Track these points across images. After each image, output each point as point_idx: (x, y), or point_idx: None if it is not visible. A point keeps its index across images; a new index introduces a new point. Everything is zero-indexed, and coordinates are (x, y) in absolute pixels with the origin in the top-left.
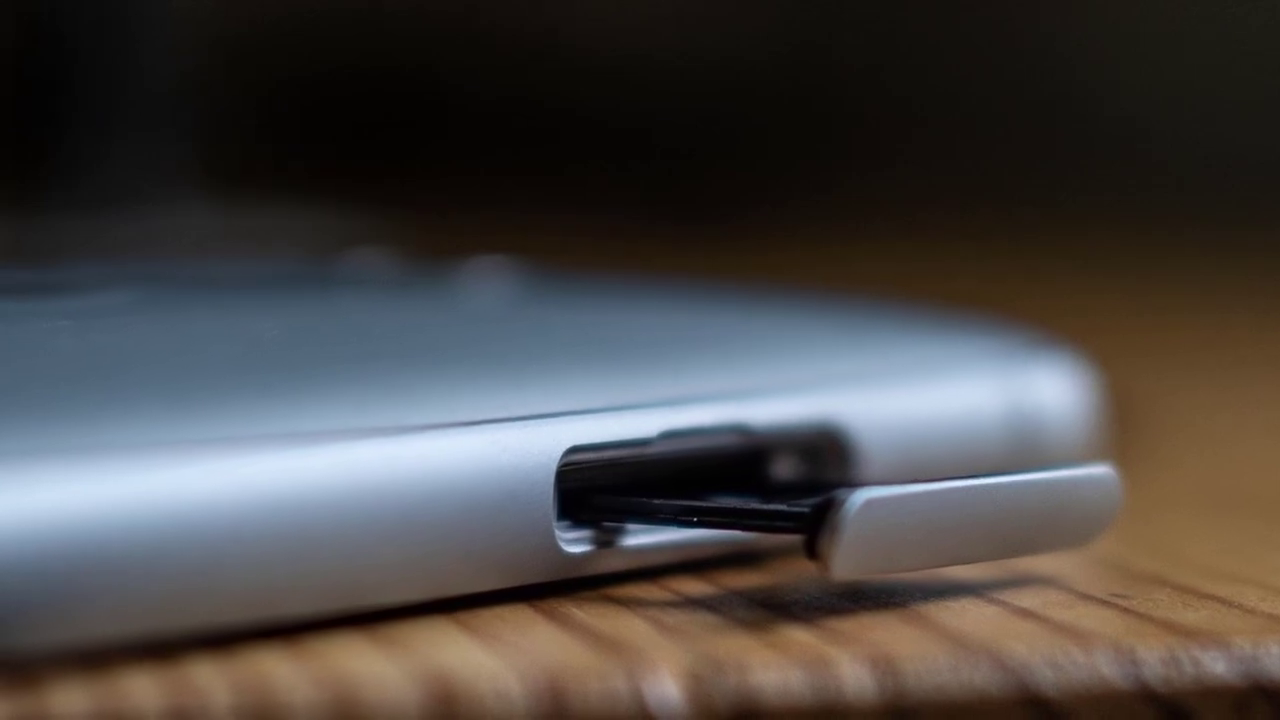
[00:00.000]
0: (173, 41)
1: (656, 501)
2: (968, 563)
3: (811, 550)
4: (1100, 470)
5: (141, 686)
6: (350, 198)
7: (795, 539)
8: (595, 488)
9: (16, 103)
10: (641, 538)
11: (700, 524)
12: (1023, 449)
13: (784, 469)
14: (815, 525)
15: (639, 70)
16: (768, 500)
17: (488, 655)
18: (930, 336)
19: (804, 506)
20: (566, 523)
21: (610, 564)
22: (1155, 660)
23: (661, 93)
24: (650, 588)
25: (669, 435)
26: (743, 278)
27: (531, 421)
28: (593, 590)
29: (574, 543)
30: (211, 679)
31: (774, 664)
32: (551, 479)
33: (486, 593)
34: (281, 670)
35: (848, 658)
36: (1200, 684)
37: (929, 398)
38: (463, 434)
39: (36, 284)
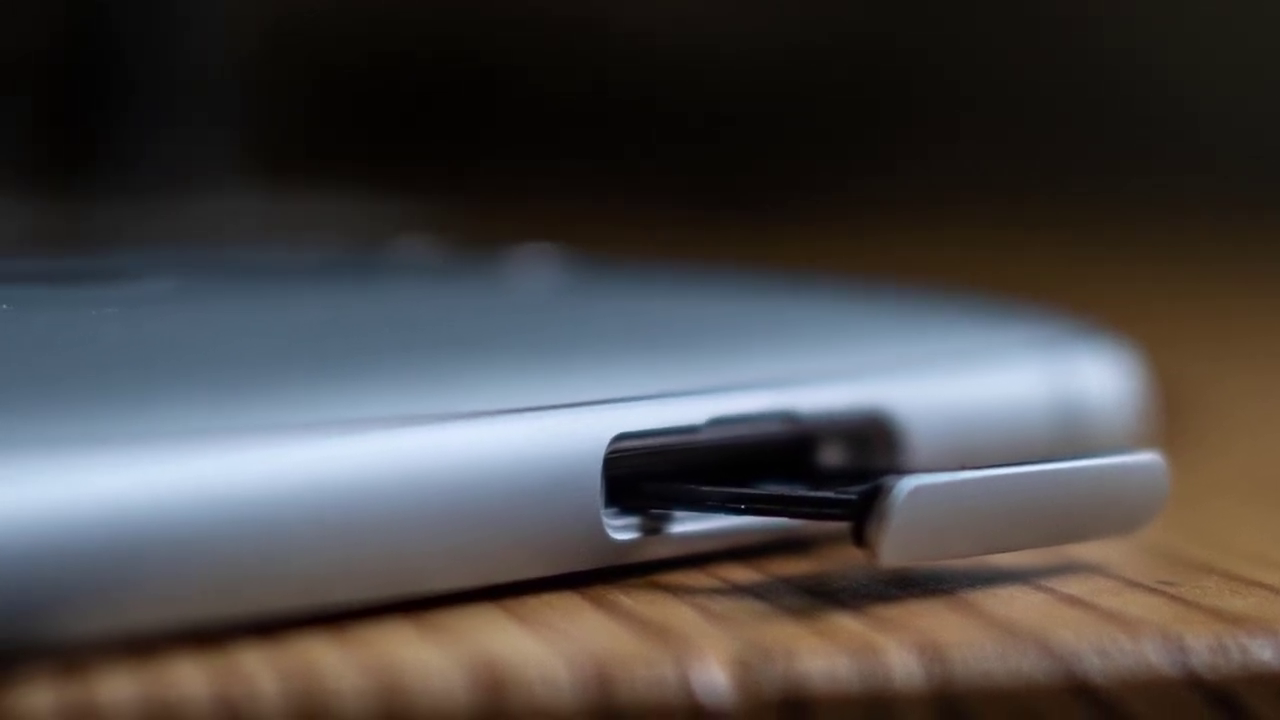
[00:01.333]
0: (221, 28)
1: (704, 488)
2: (1015, 550)
3: (859, 537)
4: (1148, 457)
5: (189, 674)
6: (397, 185)
7: (843, 526)
8: (643, 475)
9: (64, 89)
10: (689, 525)
11: (748, 511)
12: (1070, 436)
13: (831, 456)
14: (863, 512)
15: (688, 57)
16: (815, 487)
17: (535, 642)
18: (978, 323)
19: (852, 493)
20: (614, 510)
21: (658, 551)
22: (1203, 648)
23: (711, 79)
24: (698, 575)
25: (717, 422)
26: (791, 265)
27: (579, 409)
28: (640, 577)
29: (622, 530)
30: (259, 666)
31: (821, 651)
32: (599, 466)
33: (534, 580)
34: (329, 658)
35: (895, 645)
36: (1247, 671)
37: (976, 385)
38: (511, 421)
39: (84, 271)
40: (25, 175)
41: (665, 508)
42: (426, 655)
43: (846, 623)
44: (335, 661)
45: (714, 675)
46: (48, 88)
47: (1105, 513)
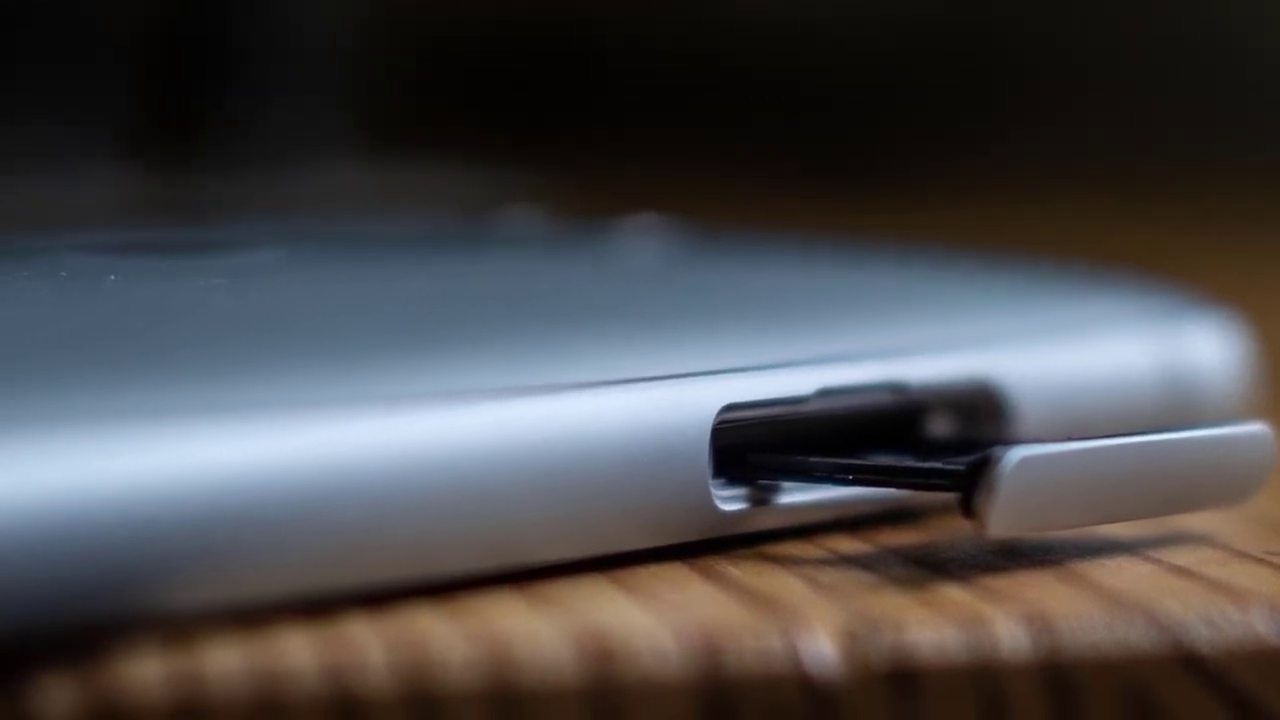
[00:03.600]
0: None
1: (812, 459)
2: (1122, 520)
3: (967, 508)
4: (1255, 428)
5: (297, 645)
6: (506, 156)
7: (950, 497)
8: (750, 445)
9: (173, 61)
10: (797, 495)
11: (856, 482)
12: (1177, 407)
13: (939, 427)
14: (971, 483)
15: (797, 27)
16: (923, 458)
17: (643, 613)
18: (1085, 294)
19: (959, 464)
20: (722, 480)
21: (765, 522)
22: None
23: (820, 50)
24: (805, 546)
25: (825, 393)
26: (898, 236)
27: (687, 379)
28: (748, 548)
29: (729, 500)
30: (367, 637)
31: (929, 622)
32: (707, 437)
33: (642, 551)
34: (437, 628)
35: (1003, 616)
36: None
37: (1084, 355)
38: (619, 392)
39: (193, 242)
40: (135, 146)
41: (773, 478)
42: (535, 626)
43: (954, 593)
44: (444, 632)
45: (822, 646)
46: (157, 58)
47: (1212, 483)
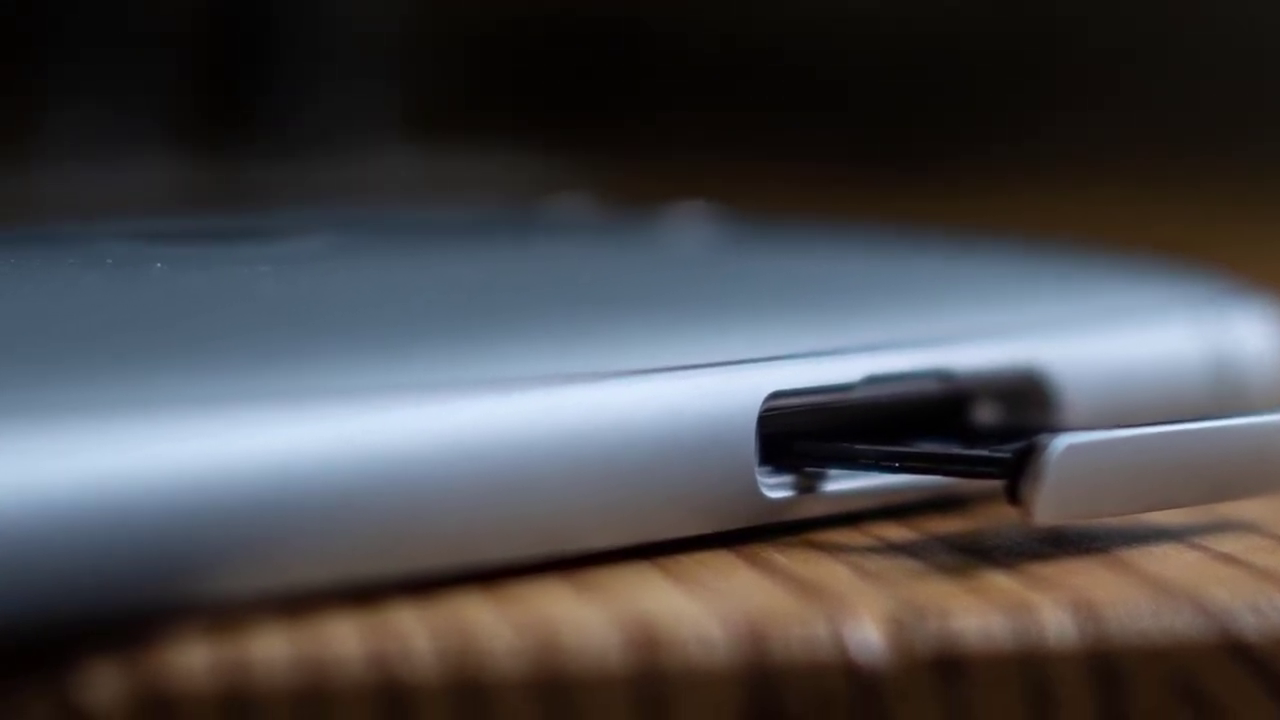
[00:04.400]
0: None
1: (858, 446)
2: (1169, 508)
3: (1013, 495)
4: None
5: (343, 632)
6: (553, 143)
7: (997, 484)
8: (797, 433)
9: (221, 49)
10: (843, 483)
11: (902, 469)
12: (1223, 394)
13: (985, 414)
14: (1017, 470)
15: (841, 15)
16: (969, 446)
17: (689, 600)
18: (1132, 282)
19: (1006, 452)
20: (768, 468)
21: (812, 509)
22: None
23: (864, 38)
24: (851, 533)
25: (871, 380)
26: (945, 224)
27: (734, 367)
28: (794, 535)
29: (776, 488)
30: (413, 624)
31: (975, 609)
32: (753, 424)
33: (688, 538)
34: (483, 616)
35: (1049, 603)
36: None
37: (1130, 343)
38: (665, 379)
39: (239, 230)
40: (183, 134)
41: (819, 466)
42: (581, 613)
43: (1001, 581)
44: (490, 620)
45: (868, 633)
46: (206, 46)
47: (1259, 470)
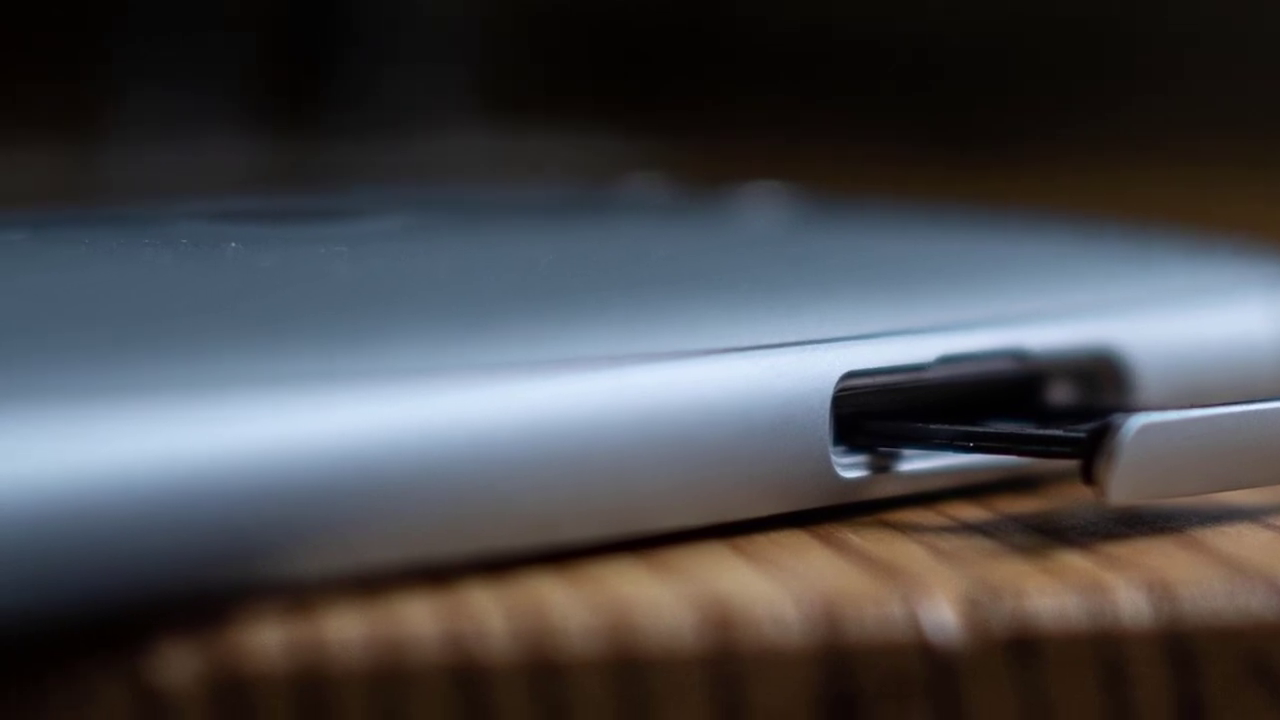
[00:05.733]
0: None
1: (932, 426)
2: (1244, 488)
3: (1088, 475)
4: None
5: (417, 612)
6: (627, 124)
7: (1071, 464)
8: (871, 413)
9: (295, 29)
10: (917, 463)
11: (976, 449)
12: None
13: (1060, 394)
14: (1092, 450)
15: None
16: (1043, 425)
17: (764, 580)
18: (1205, 262)
19: (1080, 432)
20: (842, 448)
21: (886, 489)
22: None
23: (935, 17)
24: (926, 513)
25: (946, 360)
26: (1018, 204)
27: (808, 347)
28: (868, 515)
29: (850, 468)
30: (487, 604)
31: (1050, 589)
32: (828, 404)
33: (762, 518)
34: (557, 596)
35: (1124, 583)
36: None
37: (1204, 322)
38: (739, 359)
39: (313, 210)
40: (258, 115)
41: (893, 446)
42: (655, 593)
43: (1075, 561)
44: (564, 600)
45: (943, 613)
46: (280, 26)
47: None
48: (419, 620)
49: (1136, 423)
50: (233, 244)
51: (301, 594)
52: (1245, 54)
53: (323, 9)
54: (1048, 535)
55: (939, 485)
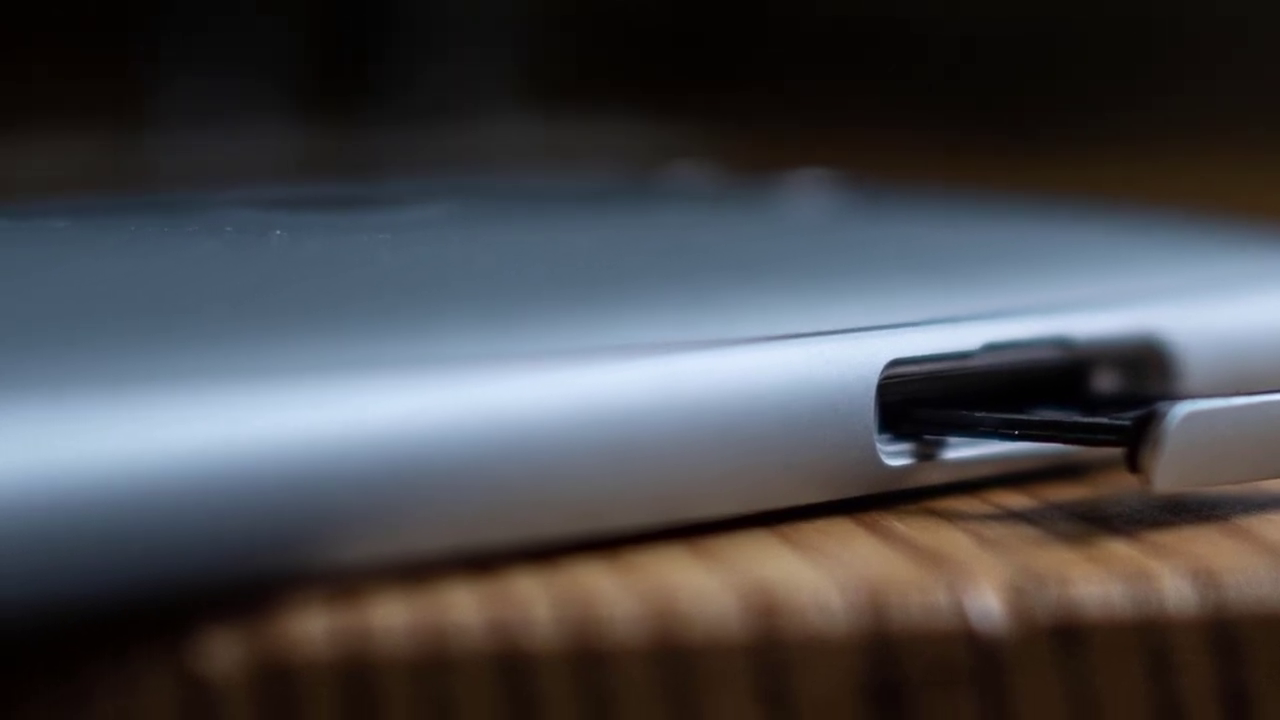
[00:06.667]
0: None
1: (978, 414)
2: None
3: (1133, 463)
4: None
5: (463, 600)
6: (672, 111)
7: (1116, 452)
8: (916, 400)
9: (339, 16)
10: (962, 451)
11: (1021, 437)
12: None
13: (1105, 382)
14: (1137, 438)
15: None
16: (1089, 413)
17: (809, 568)
18: (1251, 249)
19: (1125, 419)
20: (887, 436)
21: (931, 477)
22: None
23: (985, 5)
24: (971, 501)
25: (991, 348)
26: (1064, 191)
27: (853, 334)
28: (913, 503)
29: (895, 455)
30: (533, 592)
31: (1095, 577)
32: (873, 392)
33: (807, 506)
34: (603, 583)
35: (1169, 571)
36: None
37: (1249, 310)
38: (784, 347)
39: (358, 198)
40: (302, 102)
41: (938, 433)
42: (700, 581)
43: (1120, 548)
44: (609, 587)
45: (988, 601)
46: (325, 13)
47: None
48: (464, 608)
49: (1182, 410)
50: (277, 231)
51: (347, 582)
52: None
53: None
54: (1093, 523)
55: (984, 473)
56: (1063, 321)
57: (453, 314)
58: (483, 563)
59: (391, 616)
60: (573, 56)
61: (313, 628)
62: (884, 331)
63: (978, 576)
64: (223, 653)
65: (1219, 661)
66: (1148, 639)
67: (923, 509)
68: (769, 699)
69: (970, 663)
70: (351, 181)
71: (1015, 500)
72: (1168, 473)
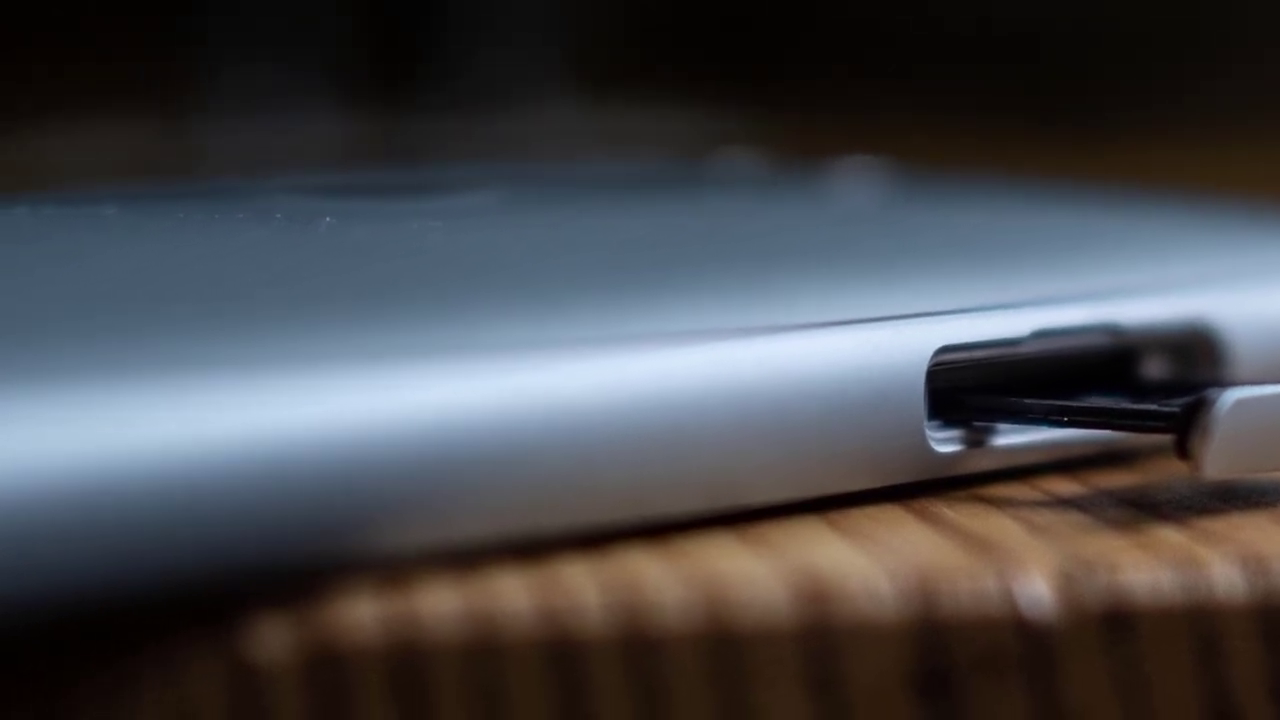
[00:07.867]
0: None
1: (1027, 401)
2: None
3: (1182, 450)
4: None
5: (512, 587)
6: (721, 99)
7: (1166, 438)
8: (965, 387)
9: (390, 3)
10: (1012, 437)
11: (1071, 424)
12: None
13: (1154, 368)
14: (1186, 425)
15: None
16: (1138, 400)
17: (858, 554)
18: None
19: (1175, 406)
20: (937, 422)
21: (980, 463)
22: None
23: None
24: (1020, 487)
25: (1040, 335)
26: (1113, 178)
27: (903, 321)
28: (963, 490)
29: (944, 442)
30: (582, 579)
31: (1144, 564)
32: (922, 378)
33: (857, 492)
34: (652, 570)
35: (1219, 557)
36: None
37: None
38: (834, 334)
39: (408, 185)
40: (352, 90)
41: (987, 420)
42: (750, 567)
43: (1169, 535)
44: (659, 574)
45: (1037, 588)
46: (375, 2)
47: None
48: (514, 595)
49: (1231, 397)
50: (327, 219)
51: (397, 569)
52: None
53: None
54: (1142, 510)
55: (1033, 460)
56: (1112, 308)
57: (502, 301)
58: (533, 549)
59: (441, 603)
60: (621, 43)
61: (363, 614)
62: (933, 318)
63: (1027, 563)
64: (273, 640)
65: (1268, 648)
66: (1197, 625)
67: (972, 495)
68: (818, 685)
69: (1019, 650)
70: (401, 168)
71: (1064, 487)
72: (1217, 459)
